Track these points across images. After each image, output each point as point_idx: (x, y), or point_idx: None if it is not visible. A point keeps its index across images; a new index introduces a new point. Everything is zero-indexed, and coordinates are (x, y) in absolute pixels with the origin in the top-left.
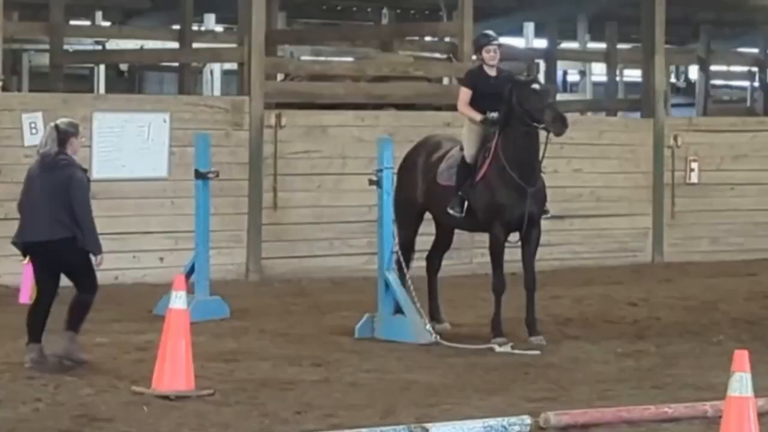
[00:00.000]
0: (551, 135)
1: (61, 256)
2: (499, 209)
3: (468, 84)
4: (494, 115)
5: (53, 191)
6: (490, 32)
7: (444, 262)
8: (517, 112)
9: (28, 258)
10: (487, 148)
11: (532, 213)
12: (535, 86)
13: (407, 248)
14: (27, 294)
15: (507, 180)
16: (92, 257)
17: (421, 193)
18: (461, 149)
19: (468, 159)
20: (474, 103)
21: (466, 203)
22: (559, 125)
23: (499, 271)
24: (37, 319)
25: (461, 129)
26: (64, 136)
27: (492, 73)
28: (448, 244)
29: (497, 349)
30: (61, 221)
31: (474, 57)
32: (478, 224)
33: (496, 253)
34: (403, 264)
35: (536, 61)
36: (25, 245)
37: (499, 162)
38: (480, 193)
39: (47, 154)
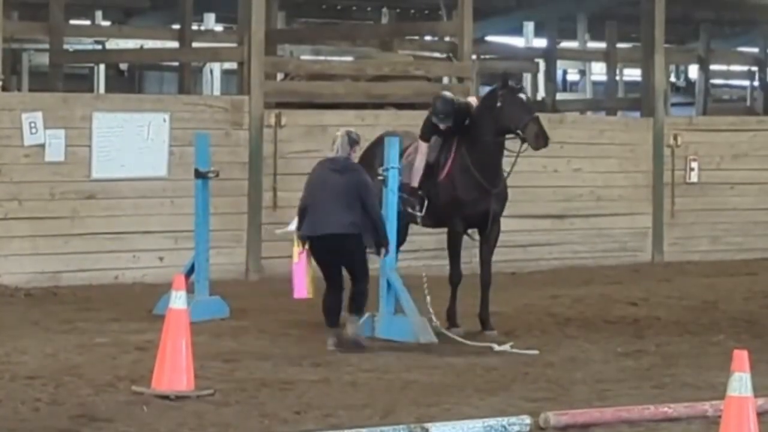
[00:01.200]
0: (525, 146)
1: (349, 249)
2: (460, 205)
3: (425, 137)
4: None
5: (347, 191)
6: (449, 100)
7: (443, 262)
8: (499, 113)
9: (303, 251)
10: (448, 147)
11: (494, 211)
12: (522, 96)
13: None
14: (303, 289)
15: (470, 178)
16: (373, 251)
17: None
18: (416, 149)
19: (430, 159)
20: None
21: (426, 202)
22: (541, 141)
23: (456, 263)
24: (332, 306)
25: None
26: (353, 144)
27: (443, 127)
28: (404, 239)
29: (496, 348)
30: (353, 220)
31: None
32: (437, 221)
33: (454, 245)
34: None
35: (536, 60)
36: (320, 238)
37: (463, 161)
38: (442, 189)
39: (338, 158)
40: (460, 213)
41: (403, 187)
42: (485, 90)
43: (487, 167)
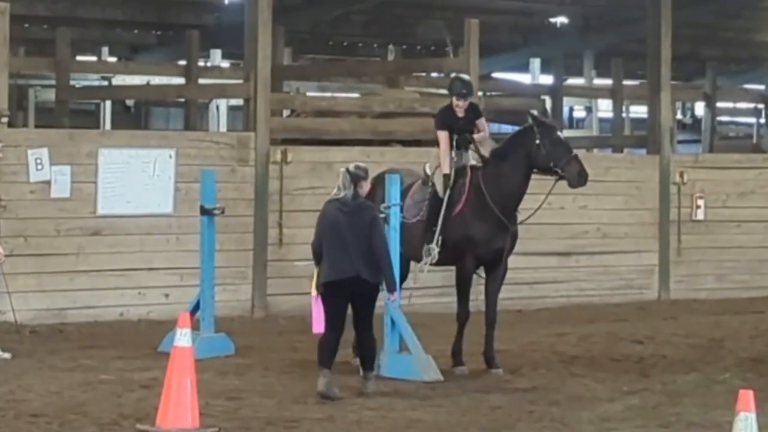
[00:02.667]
0: (562, 182)
1: (366, 296)
2: (474, 242)
3: (442, 126)
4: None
5: (360, 233)
6: (467, 80)
7: (449, 299)
8: (538, 152)
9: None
10: (461, 183)
11: (507, 250)
12: (560, 134)
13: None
14: (321, 324)
15: (487, 214)
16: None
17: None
18: (423, 183)
19: (440, 193)
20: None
21: (440, 238)
22: (583, 180)
23: (465, 301)
24: (333, 348)
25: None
26: (356, 179)
27: (460, 114)
28: (406, 276)
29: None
30: (369, 261)
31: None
32: (444, 258)
33: (464, 283)
34: None
35: (542, 97)
36: (339, 282)
37: (480, 196)
38: (455, 226)
39: (346, 198)
40: (474, 251)
41: (410, 224)
42: (491, 127)
43: (509, 204)
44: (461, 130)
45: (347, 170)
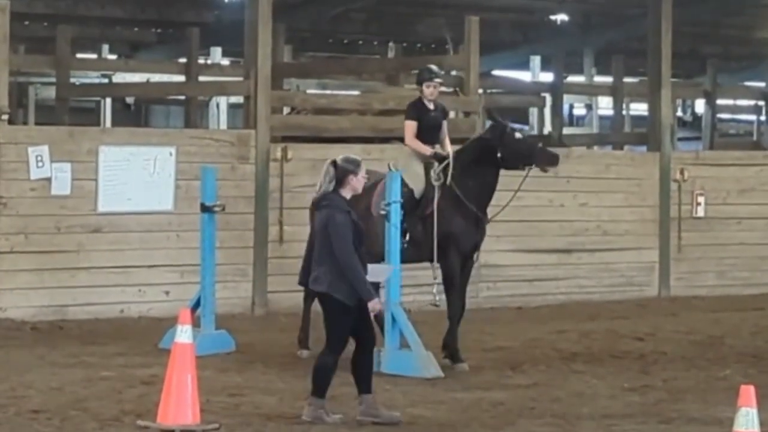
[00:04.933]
0: (531, 171)
1: (323, 308)
2: (455, 238)
3: (413, 116)
4: (439, 148)
5: (318, 234)
6: (434, 68)
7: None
8: (507, 158)
9: None
10: (441, 182)
11: (478, 243)
12: (518, 135)
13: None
14: None
15: (463, 210)
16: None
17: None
18: None
19: (417, 194)
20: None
21: (408, 235)
22: (554, 161)
23: (456, 296)
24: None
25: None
26: (342, 174)
27: (431, 106)
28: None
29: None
30: (319, 273)
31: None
32: (418, 255)
33: (452, 280)
34: None
35: (542, 94)
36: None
37: (452, 193)
38: (433, 224)
39: (322, 194)
40: (457, 246)
41: (378, 220)
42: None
43: (483, 199)
44: (431, 123)
45: (333, 162)
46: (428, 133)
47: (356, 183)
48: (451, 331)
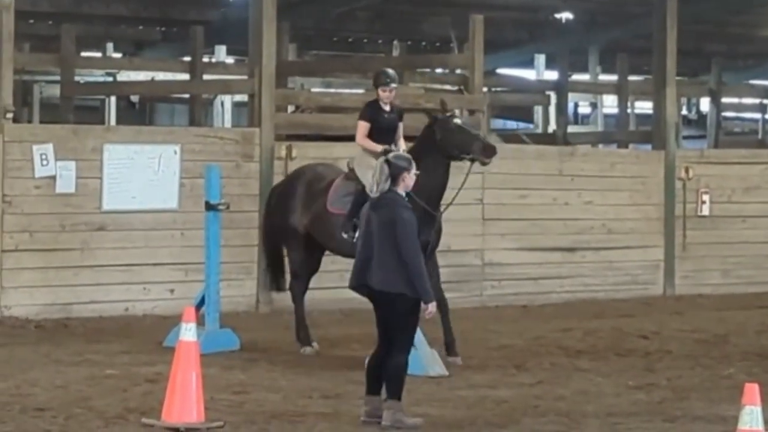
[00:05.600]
0: (474, 165)
1: (388, 309)
2: None
3: (366, 117)
4: (395, 147)
5: (380, 234)
6: (391, 72)
7: (453, 295)
8: (442, 145)
9: None
10: None
11: (433, 242)
12: (458, 121)
13: (298, 273)
14: None
15: (414, 208)
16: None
17: (302, 221)
18: (347, 178)
19: (369, 191)
20: (369, 136)
21: (358, 229)
22: (489, 153)
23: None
24: (370, 370)
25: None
26: (397, 172)
27: (387, 108)
28: (317, 268)
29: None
30: (387, 273)
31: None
32: None
33: None
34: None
35: (547, 93)
36: (361, 290)
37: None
38: None
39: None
40: None
41: (334, 216)
42: (496, 123)
43: (433, 192)
44: (386, 124)
45: (386, 161)
46: (383, 134)
47: (409, 180)
48: (445, 326)
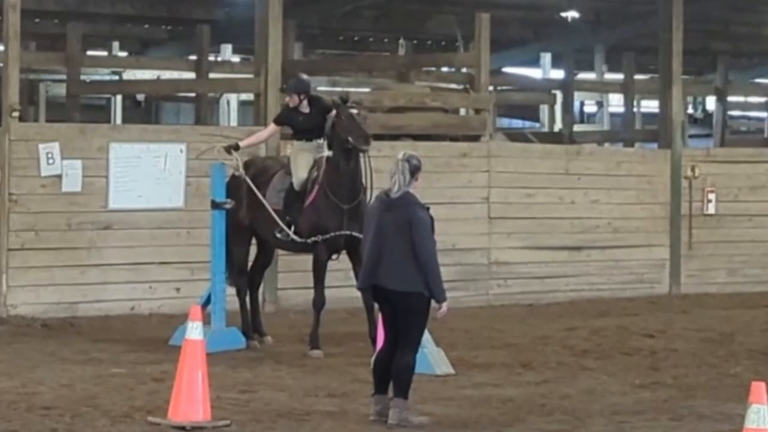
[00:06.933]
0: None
1: (403, 309)
2: (322, 231)
3: (280, 121)
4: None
5: (396, 233)
6: (302, 80)
7: (459, 293)
8: (333, 133)
9: None
10: (315, 175)
11: (353, 232)
12: (353, 110)
13: (242, 268)
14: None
15: (330, 204)
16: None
17: (248, 215)
18: (286, 173)
19: (296, 186)
20: (294, 136)
21: (292, 227)
22: (361, 141)
23: (320, 288)
24: (383, 367)
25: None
26: (415, 170)
27: (305, 110)
28: (269, 262)
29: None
30: (405, 273)
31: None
32: (303, 246)
33: (318, 271)
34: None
35: (553, 91)
36: (374, 290)
37: (323, 187)
38: (306, 216)
39: (392, 192)
40: (324, 239)
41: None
42: (501, 122)
43: (343, 189)
44: (304, 126)
45: (407, 160)
46: (305, 134)
47: (420, 179)
48: (370, 320)
